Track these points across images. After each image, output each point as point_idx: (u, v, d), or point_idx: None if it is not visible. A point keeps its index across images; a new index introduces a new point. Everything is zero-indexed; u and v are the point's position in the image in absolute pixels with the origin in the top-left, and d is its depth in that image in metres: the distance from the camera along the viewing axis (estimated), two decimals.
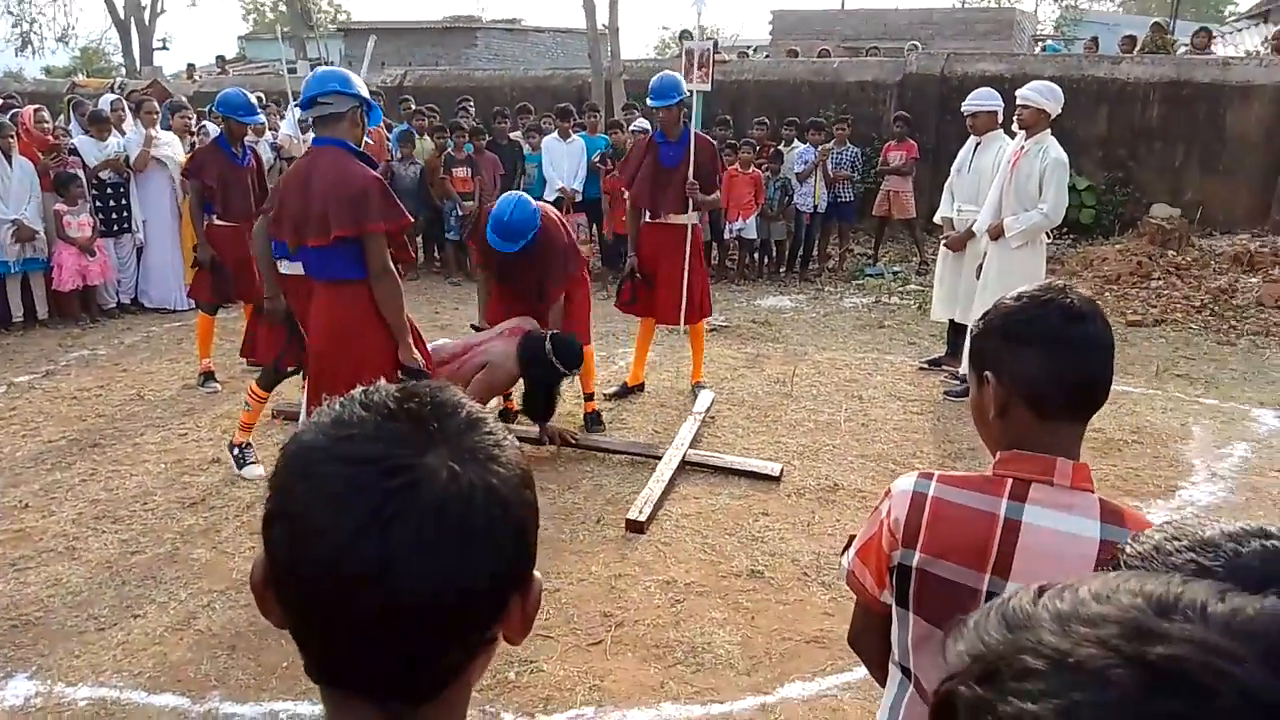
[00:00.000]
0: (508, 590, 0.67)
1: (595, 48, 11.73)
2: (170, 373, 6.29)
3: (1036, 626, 0.45)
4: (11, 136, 6.96)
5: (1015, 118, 5.23)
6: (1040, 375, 1.26)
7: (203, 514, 4.19)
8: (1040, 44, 19.51)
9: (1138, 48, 11.76)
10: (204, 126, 8.22)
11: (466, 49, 23.60)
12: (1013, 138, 5.47)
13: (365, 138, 3.73)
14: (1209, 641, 0.40)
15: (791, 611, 3.40)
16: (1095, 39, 13.81)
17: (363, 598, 0.61)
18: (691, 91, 6.87)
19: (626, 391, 5.79)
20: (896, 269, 9.63)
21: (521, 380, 4.76)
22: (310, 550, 0.62)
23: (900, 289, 8.88)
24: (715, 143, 5.71)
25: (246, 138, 6.05)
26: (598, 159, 8.94)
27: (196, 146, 7.29)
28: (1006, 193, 5.24)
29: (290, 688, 2.97)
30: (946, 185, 6.09)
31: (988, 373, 1.30)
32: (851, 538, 1.47)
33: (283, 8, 29.14)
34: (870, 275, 9.38)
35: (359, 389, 0.69)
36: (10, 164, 6.94)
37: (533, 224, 4.68)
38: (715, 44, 7.75)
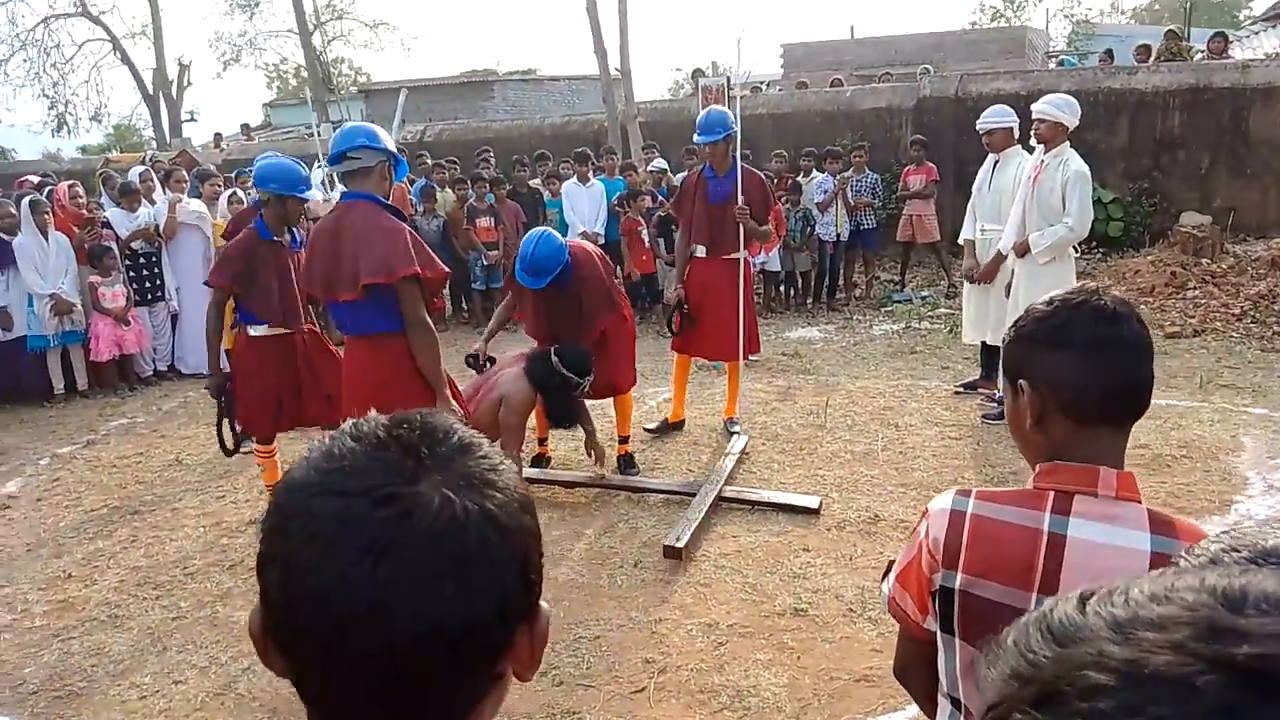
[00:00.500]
0: (513, 622, 0.64)
1: (609, 92, 11.88)
2: (207, 436, 6.34)
3: (1092, 638, 0.40)
4: (47, 213, 7.15)
5: (1033, 132, 5.19)
6: (1077, 379, 1.21)
7: (241, 575, 4.20)
8: (1055, 60, 19.46)
9: (1153, 56, 11.68)
10: (234, 193, 8.39)
11: (484, 102, 24.02)
12: (1031, 153, 5.43)
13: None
14: None
15: (838, 650, 3.32)
16: (1110, 51, 13.74)
17: (359, 636, 0.58)
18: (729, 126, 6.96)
19: (668, 428, 5.77)
20: (925, 293, 9.54)
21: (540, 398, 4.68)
22: (303, 590, 0.60)
23: (930, 313, 8.79)
24: (764, 176, 5.62)
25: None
26: (616, 202, 9.01)
27: (231, 228, 6.55)
28: (1029, 208, 5.18)
29: None
30: (969, 206, 6.04)
31: (1022, 380, 1.26)
32: (891, 563, 1.42)
33: (305, 74, 29.90)
34: (898, 301, 9.30)
35: (349, 422, 0.67)
36: (47, 239, 7.13)
37: (559, 257, 4.59)
38: (729, 79, 7.81)
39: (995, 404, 5.60)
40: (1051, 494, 1.23)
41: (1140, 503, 1.22)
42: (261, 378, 4.46)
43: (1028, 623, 0.44)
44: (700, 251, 5.46)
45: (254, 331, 4.48)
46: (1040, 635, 0.43)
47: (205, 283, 4.81)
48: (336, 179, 4.08)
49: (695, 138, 5.39)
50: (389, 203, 3.51)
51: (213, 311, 4.43)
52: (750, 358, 5.88)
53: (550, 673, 3.28)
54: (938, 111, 10.89)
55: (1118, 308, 1.24)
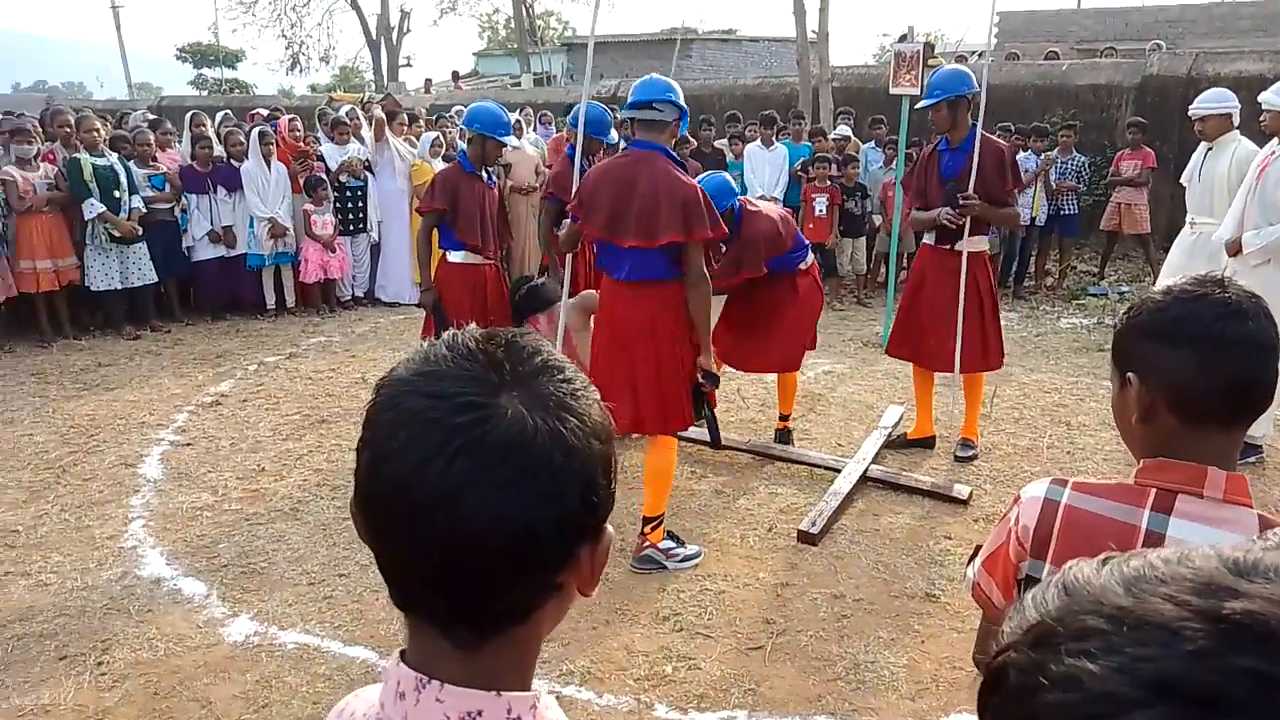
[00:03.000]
0: (573, 537, 0.69)
1: (804, 54, 11.63)
2: (392, 359, 6.75)
3: (1100, 591, 0.43)
4: (272, 144, 7.87)
5: (1261, 123, 4.68)
6: (1191, 378, 1.13)
7: None
8: None
9: None
10: (437, 136, 8.88)
11: (681, 60, 24.06)
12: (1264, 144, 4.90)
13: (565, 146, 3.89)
14: None
15: (965, 640, 3.23)
16: None
17: (428, 523, 0.65)
18: (904, 97, 6.70)
19: (907, 444, 5.02)
20: (1125, 288, 8.84)
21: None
22: (385, 474, 0.67)
23: None
24: (1006, 148, 4.68)
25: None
26: (799, 167, 8.86)
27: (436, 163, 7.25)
28: (1250, 203, 4.70)
29: None
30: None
31: (1130, 374, 1.19)
32: (978, 548, 1.38)
33: (514, 26, 30.96)
34: (1093, 294, 8.67)
35: (448, 331, 0.73)
36: (270, 168, 7.86)
37: (723, 198, 4.33)
38: (930, 47, 7.46)
39: None
40: (1154, 491, 1.16)
41: (1252, 507, 1.14)
42: (456, 303, 4.78)
43: (1049, 580, 0.47)
44: (928, 238, 4.78)
45: (453, 257, 4.83)
46: (1055, 590, 0.45)
47: (418, 210, 5.19)
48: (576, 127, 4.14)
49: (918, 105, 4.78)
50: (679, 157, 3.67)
51: (423, 234, 4.94)
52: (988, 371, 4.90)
53: (673, 618, 3.39)
54: (1164, 92, 9.96)
55: (1244, 303, 1.14)
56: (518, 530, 0.66)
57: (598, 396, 0.73)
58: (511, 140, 5.06)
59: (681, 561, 3.78)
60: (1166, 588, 0.40)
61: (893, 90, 6.69)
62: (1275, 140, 4.70)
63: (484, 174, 4.89)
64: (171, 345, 7.27)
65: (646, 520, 3.78)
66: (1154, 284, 8.45)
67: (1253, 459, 4.73)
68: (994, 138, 4.60)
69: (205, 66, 35.10)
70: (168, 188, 7.60)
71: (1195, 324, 1.14)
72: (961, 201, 4.42)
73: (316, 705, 2.92)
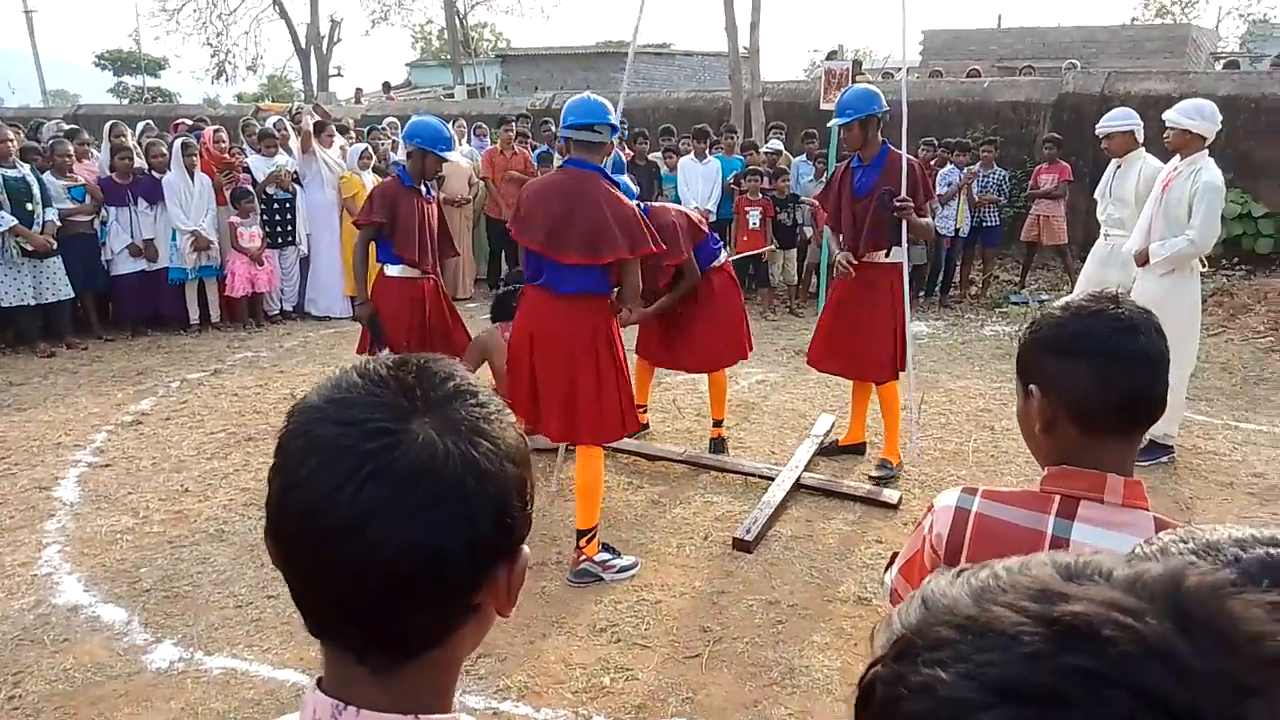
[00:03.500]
0: (487, 560, 0.69)
1: (735, 69, 11.80)
2: (322, 374, 6.69)
3: (953, 602, 0.45)
4: (195, 155, 7.67)
5: (1163, 139, 4.92)
6: (1088, 390, 1.19)
7: None
8: (1220, 62, 18.15)
9: None
10: (366, 148, 8.76)
11: (615, 73, 24.19)
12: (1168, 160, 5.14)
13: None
14: (1112, 599, 0.41)
15: None
16: None
17: (337, 550, 0.65)
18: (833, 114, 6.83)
19: (838, 450, 5.12)
20: (1044, 297, 9.16)
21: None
22: (294, 502, 0.67)
23: None
24: (916, 163, 4.65)
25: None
26: (732, 180, 8.98)
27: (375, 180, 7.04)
28: (1155, 216, 4.92)
29: None
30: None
31: (1033, 386, 1.25)
32: (895, 555, 1.42)
33: (447, 36, 30.73)
34: (1015, 303, 8.97)
35: (360, 359, 0.74)
36: (193, 179, 7.65)
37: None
38: (858, 64, 7.65)
39: None
40: (1058, 497, 1.22)
41: (1149, 510, 1.20)
42: (394, 318, 4.74)
43: (912, 595, 0.49)
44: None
45: (390, 271, 4.78)
46: (916, 604, 0.48)
47: (354, 222, 5.17)
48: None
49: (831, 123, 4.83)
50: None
51: (360, 247, 4.86)
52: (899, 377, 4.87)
53: (610, 629, 3.39)
54: (1079, 109, 10.35)
55: (1136, 318, 1.20)
56: (429, 555, 0.66)
57: (513, 420, 0.74)
58: (453, 155, 5.02)
59: (618, 572, 3.79)
60: (1007, 596, 0.44)
61: (823, 105, 6.86)
62: (1177, 156, 4.94)
63: (423, 188, 4.84)
64: (89, 363, 7.01)
65: (581, 534, 3.79)
66: (1071, 292, 8.81)
67: (1164, 459, 4.94)
68: (902, 154, 4.62)
69: (126, 74, 34.07)
70: (88, 199, 7.34)
71: (1091, 339, 1.19)
72: (897, 204, 4.43)
73: None
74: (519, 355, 3.84)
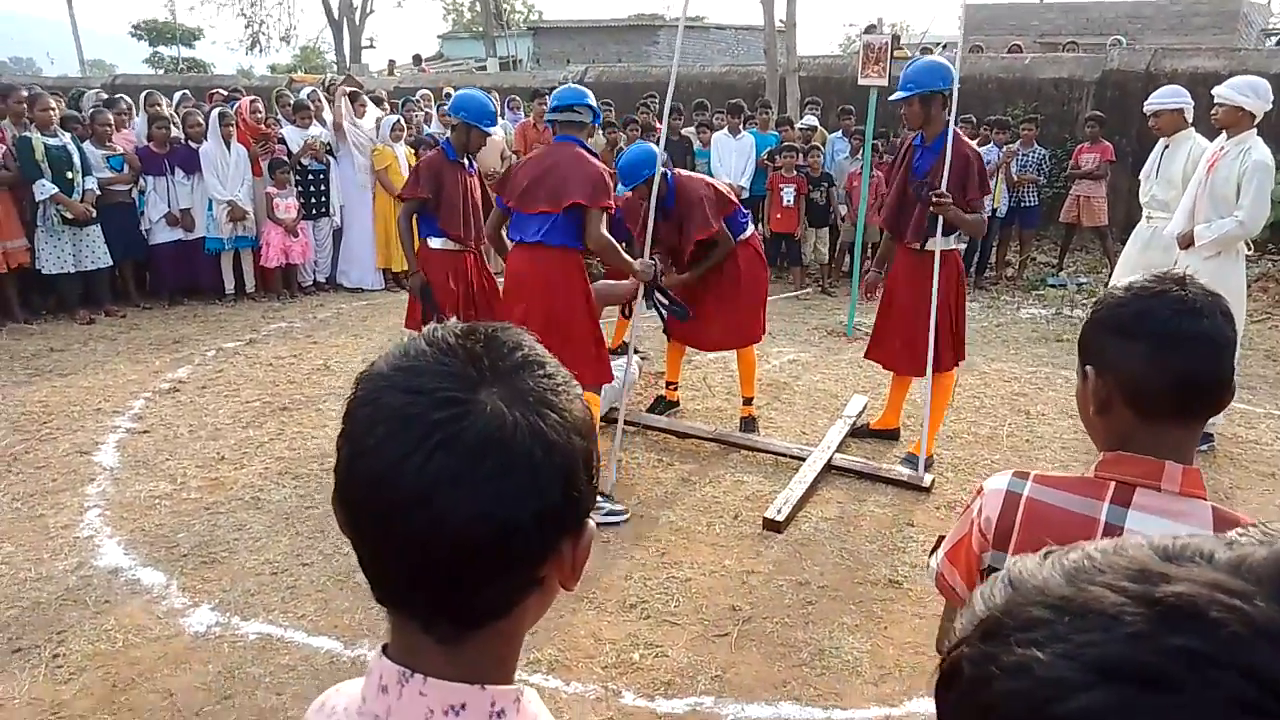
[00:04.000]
0: (553, 532, 0.69)
1: (771, 43, 11.65)
2: (354, 347, 6.79)
3: (1044, 583, 0.45)
4: (232, 125, 7.71)
5: (1211, 117, 4.78)
6: (1145, 373, 1.15)
7: None
8: (1272, 39, 17.64)
9: None
10: (399, 120, 8.75)
11: (648, 46, 24.00)
12: (1214, 139, 5.01)
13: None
14: (1217, 581, 0.41)
15: (928, 625, 3.28)
16: None
17: (405, 520, 0.65)
18: (872, 88, 6.73)
19: (870, 433, 5.03)
20: (1083, 280, 9.01)
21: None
22: (362, 470, 0.66)
23: (1085, 302, 8.30)
24: (975, 154, 4.42)
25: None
26: (765, 156, 8.88)
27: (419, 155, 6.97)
28: (1200, 197, 4.80)
29: None
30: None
31: (1089, 366, 1.21)
32: (941, 538, 1.40)
33: (479, 8, 30.61)
34: (1052, 285, 8.83)
35: (427, 327, 0.73)
36: (229, 149, 7.70)
37: (646, 163, 4.57)
38: (896, 38, 7.50)
39: None
40: (1113, 484, 1.19)
41: (1205, 499, 1.17)
42: (441, 289, 4.85)
43: (995, 577, 0.48)
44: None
45: (434, 244, 4.89)
46: (1001, 584, 0.48)
47: (399, 196, 5.29)
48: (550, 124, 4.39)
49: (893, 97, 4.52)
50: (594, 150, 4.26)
51: (404, 220, 4.97)
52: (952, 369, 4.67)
53: (639, 605, 3.40)
54: (1124, 87, 10.13)
55: (1200, 300, 1.16)
56: (497, 526, 0.65)
57: (580, 392, 0.73)
58: (496, 130, 5.10)
59: (606, 516, 3.99)
60: (1104, 576, 0.43)
61: (861, 81, 6.73)
62: (1223, 135, 4.81)
63: (466, 161, 4.90)
64: (127, 330, 7.12)
65: None
66: (1111, 276, 8.65)
67: (1204, 447, 4.85)
68: (967, 142, 4.44)
69: (161, 44, 34.29)
70: (126, 169, 7.42)
71: (1151, 320, 1.16)
72: (934, 199, 4.22)
73: (280, 696, 2.89)
74: (509, 309, 4.17)
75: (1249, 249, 5.05)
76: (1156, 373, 1.15)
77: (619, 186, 4.73)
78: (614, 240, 4.15)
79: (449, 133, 5.02)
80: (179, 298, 7.93)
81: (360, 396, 0.69)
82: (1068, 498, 1.21)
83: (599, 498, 3.96)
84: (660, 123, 9.58)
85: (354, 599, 3.44)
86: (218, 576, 3.61)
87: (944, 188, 4.22)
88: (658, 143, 8.94)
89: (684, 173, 5.02)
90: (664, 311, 4.67)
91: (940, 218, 4.27)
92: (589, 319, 4.23)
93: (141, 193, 7.57)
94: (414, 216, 4.89)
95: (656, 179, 4.39)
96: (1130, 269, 5.57)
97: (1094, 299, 1.28)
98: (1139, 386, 1.17)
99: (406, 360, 0.69)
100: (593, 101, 4.23)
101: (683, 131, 9.82)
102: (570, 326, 4.12)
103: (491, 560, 0.66)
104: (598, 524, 3.06)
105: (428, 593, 0.68)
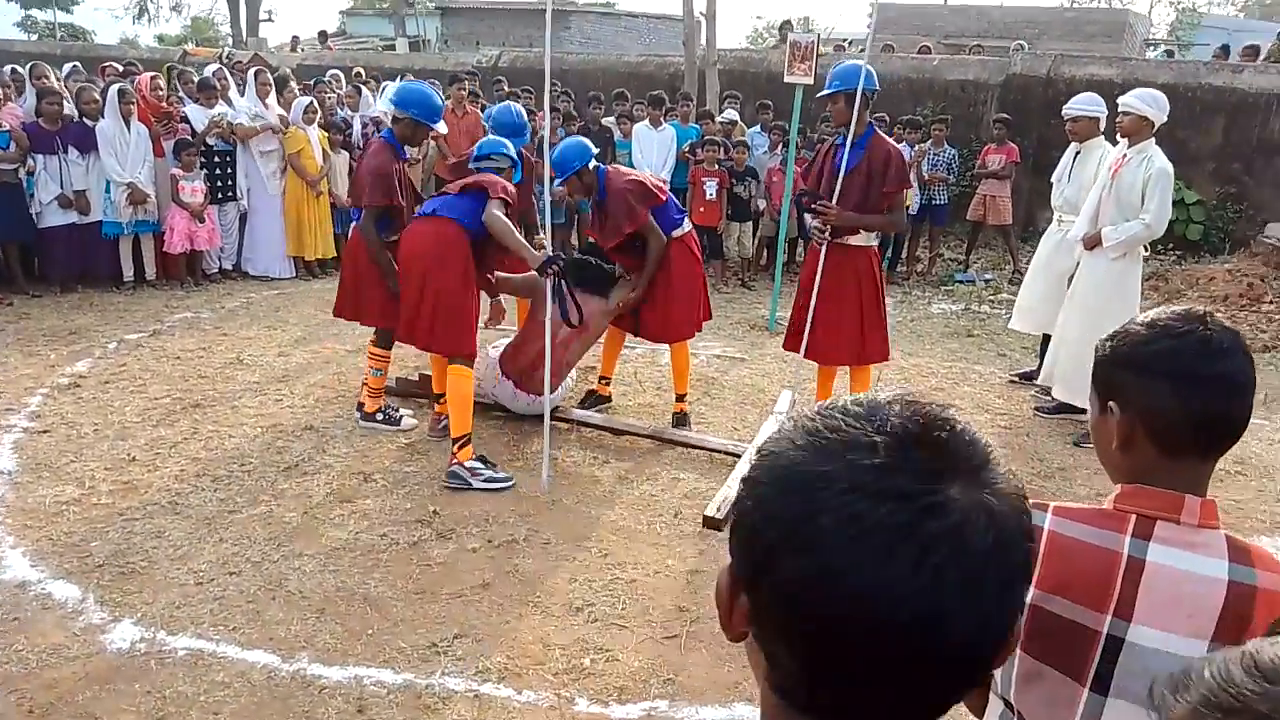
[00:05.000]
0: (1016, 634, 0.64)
1: (690, 35, 11.67)
2: (268, 339, 6.52)
3: None
4: (132, 103, 7.27)
5: (1117, 125, 5.05)
6: (1173, 412, 1.19)
7: (295, 479, 4.34)
8: (1154, 49, 18.69)
9: (1262, 56, 11.16)
10: (310, 102, 8.41)
11: (560, 32, 23.72)
12: (1115, 145, 5.28)
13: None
14: None
15: None
16: (1226, 47, 12.99)
17: (903, 642, 0.58)
18: (797, 85, 6.82)
19: None
20: (989, 276, 9.38)
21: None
22: (840, 590, 0.58)
23: (992, 297, 8.65)
24: (896, 148, 4.57)
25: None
26: (687, 149, 8.91)
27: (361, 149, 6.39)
28: (1105, 201, 5.05)
29: (375, 654, 3.07)
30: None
31: (1113, 404, 1.24)
32: None
33: None
34: (961, 281, 9.16)
35: (859, 405, 0.64)
36: (129, 128, 7.26)
37: (574, 157, 4.77)
38: (818, 37, 7.61)
39: (1048, 398, 5.54)
40: (1133, 517, 1.22)
41: (1219, 529, 1.22)
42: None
43: (1225, 659, 0.47)
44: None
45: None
46: (1245, 672, 0.46)
47: (361, 204, 4.74)
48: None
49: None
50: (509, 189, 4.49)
51: (371, 230, 4.65)
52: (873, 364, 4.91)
53: (586, 609, 3.38)
54: (1026, 91, 10.57)
55: (1226, 341, 1.19)
56: (989, 641, 0.60)
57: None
58: (440, 126, 4.93)
59: (485, 481, 4.26)
60: None
61: (787, 79, 6.81)
62: (1125, 142, 5.08)
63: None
64: (15, 319, 6.65)
65: (455, 441, 4.36)
66: (1014, 273, 9.03)
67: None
68: (889, 140, 4.61)
69: (35, 7, 32.07)
70: (13, 146, 6.90)
71: (1176, 360, 1.19)
72: (819, 210, 4.44)
73: (217, 715, 2.75)
74: (403, 277, 4.50)
75: (1146, 250, 5.34)
76: (1182, 412, 1.18)
77: (554, 182, 4.69)
78: (509, 224, 4.32)
79: (390, 125, 4.92)
80: (72, 285, 7.45)
81: (800, 492, 0.61)
82: (1088, 530, 1.24)
83: (480, 463, 4.31)
84: (575, 113, 9.52)
85: (287, 610, 3.31)
86: (138, 588, 3.41)
87: (835, 198, 4.41)
88: (580, 132, 8.91)
89: (615, 170, 5.01)
90: (563, 307, 4.50)
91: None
92: (474, 300, 4.46)
93: (30, 173, 7.06)
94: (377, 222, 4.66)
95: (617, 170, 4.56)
96: (1042, 271, 5.83)
97: (1111, 334, 1.31)
98: (1164, 424, 1.19)
99: (860, 454, 0.60)
100: (511, 151, 4.80)
101: (603, 121, 9.76)
102: (460, 299, 4.36)
103: (968, 676, 0.62)
104: (479, 487, 3.68)
105: (894, 710, 0.62)
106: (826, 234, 4.54)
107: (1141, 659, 1.20)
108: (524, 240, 4.43)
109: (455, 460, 4.32)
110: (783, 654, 0.63)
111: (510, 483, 4.31)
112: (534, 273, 4.56)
